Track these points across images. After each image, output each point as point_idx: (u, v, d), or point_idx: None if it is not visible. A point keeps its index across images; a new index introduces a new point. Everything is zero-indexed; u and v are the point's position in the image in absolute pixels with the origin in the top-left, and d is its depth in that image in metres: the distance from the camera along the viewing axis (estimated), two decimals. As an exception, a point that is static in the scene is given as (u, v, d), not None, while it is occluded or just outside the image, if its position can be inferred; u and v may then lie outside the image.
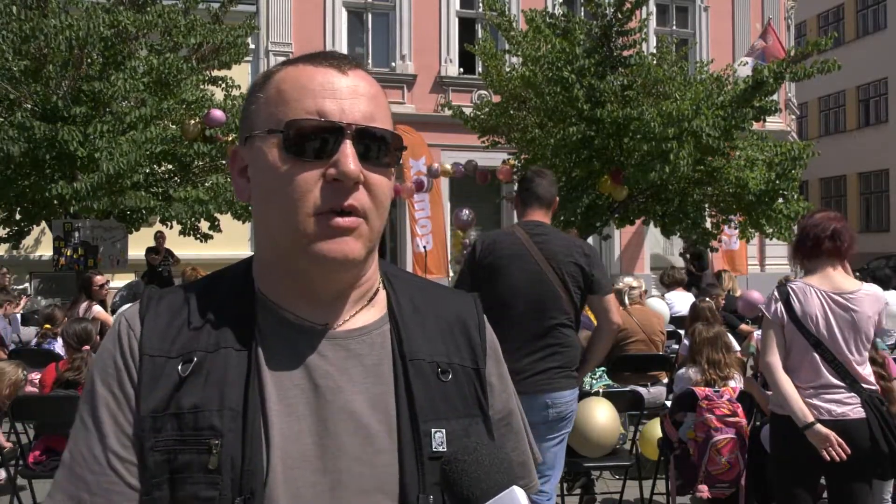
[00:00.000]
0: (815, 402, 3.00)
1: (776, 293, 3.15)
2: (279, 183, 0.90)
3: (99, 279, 7.20)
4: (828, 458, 2.90)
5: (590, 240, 11.73)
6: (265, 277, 0.98)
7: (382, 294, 1.03)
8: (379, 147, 0.93)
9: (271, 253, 0.96)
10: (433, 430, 0.93)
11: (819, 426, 2.94)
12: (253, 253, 1.05)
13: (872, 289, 3.14)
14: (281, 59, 14.92)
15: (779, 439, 3.19)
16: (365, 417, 0.93)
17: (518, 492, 0.78)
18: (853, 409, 3.00)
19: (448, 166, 11.98)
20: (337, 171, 0.88)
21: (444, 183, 14.46)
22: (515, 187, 3.72)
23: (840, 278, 3.13)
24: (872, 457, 2.99)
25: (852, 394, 3.01)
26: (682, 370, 4.55)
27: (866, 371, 3.08)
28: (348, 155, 0.89)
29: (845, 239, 3.11)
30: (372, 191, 0.92)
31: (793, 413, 2.99)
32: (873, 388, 3.07)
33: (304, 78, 0.93)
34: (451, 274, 13.60)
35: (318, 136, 0.90)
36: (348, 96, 0.92)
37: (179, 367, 0.90)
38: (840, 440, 2.91)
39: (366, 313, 0.99)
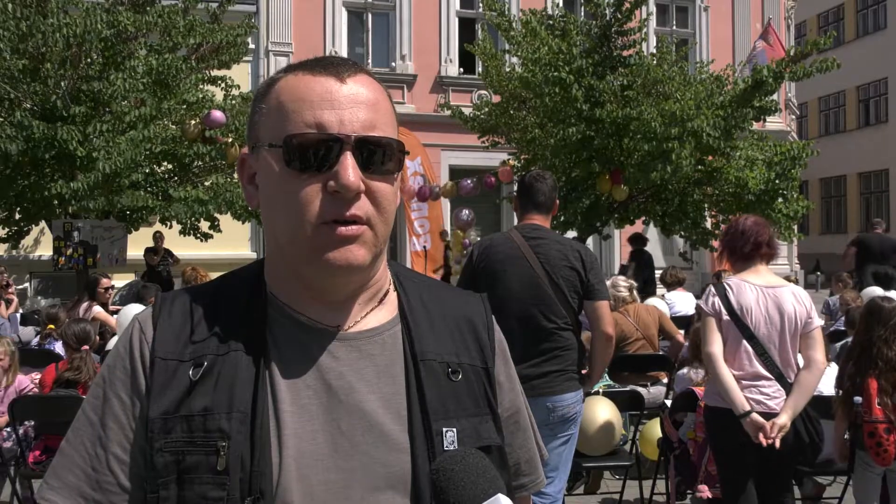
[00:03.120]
0: (746, 394, 3.22)
1: (713, 288, 3.38)
2: (283, 195, 0.92)
3: (105, 282, 7.20)
4: (765, 443, 3.10)
5: (590, 240, 11.74)
6: (276, 280, 1.00)
7: (393, 295, 1.04)
8: (381, 154, 0.93)
9: (280, 258, 0.98)
10: (444, 430, 0.95)
11: (755, 415, 3.16)
12: (256, 254, 1.05)
13: (796, 288, 3.36)
14: (281, 59, 14.91)
15: (716, 430, 3.41)
16: (378, 417, 0.94)
17: (503, 499, 0.79)
18: (779, 402, 3.20)
19: (451, 185, 11.81)
20: (337, 184, 0.89)
21: (442, 183, 14.45)
22: (515, 188, 3.71)
23: (770, 276, 3.36)
24: (796, 446, 3.23)
25: (779, 387, 3.22)
26: (684, 370, 4.55)
27: (794, 365, 3.26)
28: (348, 167, 0.89)
29: (775, 244, 3.40)
30: (375, 198, 0.92)
31: (732, 402, 3.20)
32: None
33: (302, 88, 0.93)
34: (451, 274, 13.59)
35: (318, 149, 0.90)
36: (347, 105, 0.92)
37: (191, 372, 0.91)
38: (770, 428, 3.12)
39: (377, 314, 1.01)
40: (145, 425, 0.91)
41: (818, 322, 3.29)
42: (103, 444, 0.92)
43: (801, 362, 3.31)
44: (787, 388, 3.22)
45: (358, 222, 0.91)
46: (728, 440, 3.31)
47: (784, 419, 3.15)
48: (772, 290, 3.27)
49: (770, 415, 3.17)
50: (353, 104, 0.92)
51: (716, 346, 3.28)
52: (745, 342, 3.24)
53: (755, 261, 3.37)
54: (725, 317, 3.28)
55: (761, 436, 3.12)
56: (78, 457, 0.93)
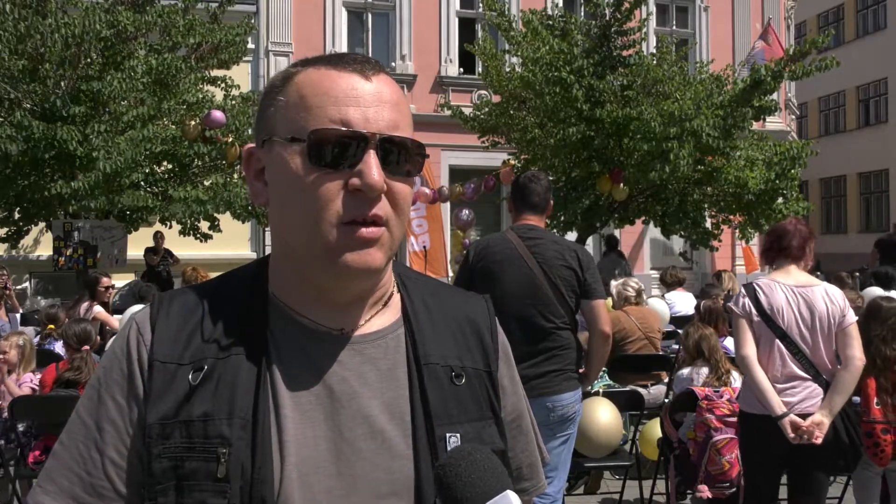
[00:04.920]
0: (782, 397, 3.18)
1: (743, 289, 3.34)
2: (301, 192, 0.89)
3: (106, 281, 7.17)
4: (798, 441, 3.08)
5: (589, 240, 11.74)
6: (280, 281, 0.97)
7: (397, 297, 1.02)
8: (402, 155, 0.91)
9: (288, 258, 0.95)
10: (448, 435, 0.93)
11: (792, 416, 3.12)
12: (256, 254, 1.03)
13: (829, 287, 3.30)
14: (281, 59, 14.81)
15: (754, 437, 3.34)
16: (380, 422, 0.93)
17: (512, 496, 0.78)
18: (816, 402, 3.16)
19: (458, 188, 11.86)
20: (361, 183, 0.87)
21: (443, 184, 14.45)
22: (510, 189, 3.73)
23: (801, 276, 3.32)
24: (834, 448, 3.17)
25: (816, 385, 3.17)
26: (686, 370, 4.55)
27: (830, 363, 3.21)
28: (372, 165, 0.87)
29: (805, 245, 3.34)
30: (394, 199, 0.91)
31: (768, 405, 3.15)
32: None
33: (326, 83, 0.90)
34: (451, 273, 13.59)
35: (342, 146, 0.88)
36: (372, 103, 0.90)
37: (190, 376, 0.89)
38: (808, 427, 3.10)
39: (380, 317, 0.99)
40: (143, 430, 0.89)
41: (852, 318, 3.23)
42: (99, 448, 0.90)
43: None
44: (825, 386, 3.17)
45: (377, 223, 0.89)
46: (765, 449, 3.26)
47: (820, 417, 3.09)
48: (802, 290, 3.24)
49: (807, 416, 3.13)
50: (377, 103, 0.90)
51: (749, 348, 3.23)
52: (778, 342, 3.20)
53: (782, 261, 3.35)
54: (756, 317, 3.24)
55: (799, 433, 3.09)
56: (71, 460, 0.91)
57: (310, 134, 0.88)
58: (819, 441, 3.07)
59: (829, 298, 3.22)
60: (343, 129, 0.88)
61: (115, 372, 0.93)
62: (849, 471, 3.62)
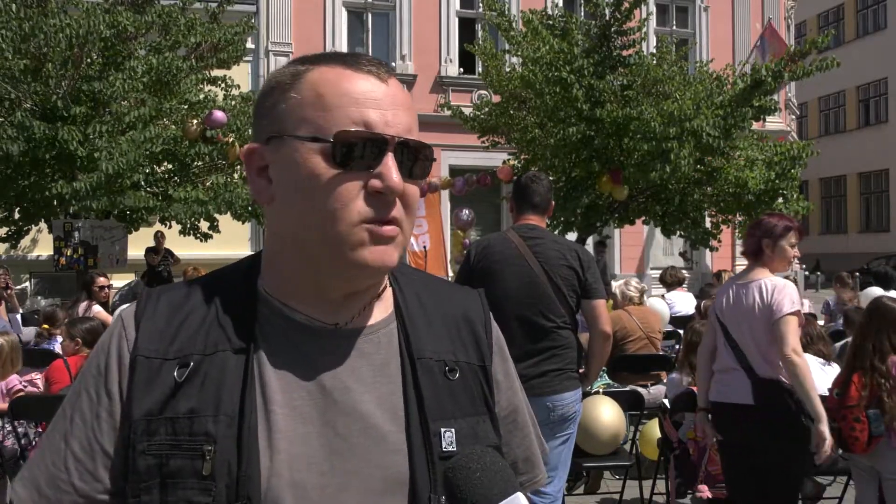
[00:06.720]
0: (713, 384, 3.37)
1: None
2: (321, 191, 0.88)
3: (102, 280, 7.14)
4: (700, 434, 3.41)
5: (589, 240, 11.74)
6: (273, 277, 0.97)
7: (389, 291, 1.02)
8: (416, 158, 0.92)
9: (289, 254, 0.94)
10: (443, 430, 0.93)
11: (699, 408, 3.47)
12: (253, 252, 1.03)
13: (771, 281, 3.27)
14: (281, 59, 14.84)
15: (715, 423, 3.53)
16: (374, 418, 0.92)
17: (521, 498, 0.79)
18: (739, 393, 3.22)
19: (447, 178, 11.88)
20: (382, 185, 0.88)
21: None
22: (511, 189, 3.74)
23: (757, 273, 3.35)
24: (760, 445, 3.18)
25: (745, 377, 3.22)
26: (675, 374, 4.57)
27: (763, 357, 3.21)
28: (392, 168, 0.88)
29: (760, 244, 3.36)
30: (406, 201, 0.91)
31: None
32: (773, 377, 3.20)
33: (345, 83, 0.90)
34: (451, 273, 13.59)
35: (364, 148, 0.88)
36: (390, 106, 0.90)
37: (175, 372, 0.88)
38: (708, 424, 3.38)
39: (372, 311, 0.98)
40: (129, 426, 0.87)
41: (780, 314, 3.16)
42: (66, 440, 0.90)
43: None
44: (755, 379, 3.20)
45: (395, 223, 0.90)
46: (724, 434, 3.41)
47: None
48: (742, 285, 3.33)
49: (731, 405, 3.25)
50: (394, 106, 0.91)
51: (704, 342, 3.56)
52: (721, 335, 3.37)
53: (747, 259, 3.45)
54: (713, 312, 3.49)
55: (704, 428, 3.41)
56: (47, 450, 0.91)
57: (336, 134, 0.88)
58: (716, 439, 3.33)
59: (760, 294, 3.24)
60: (366, 131, 0.88)
61: (93, 367, 0.93)
62: (787, 470, 3.34)
